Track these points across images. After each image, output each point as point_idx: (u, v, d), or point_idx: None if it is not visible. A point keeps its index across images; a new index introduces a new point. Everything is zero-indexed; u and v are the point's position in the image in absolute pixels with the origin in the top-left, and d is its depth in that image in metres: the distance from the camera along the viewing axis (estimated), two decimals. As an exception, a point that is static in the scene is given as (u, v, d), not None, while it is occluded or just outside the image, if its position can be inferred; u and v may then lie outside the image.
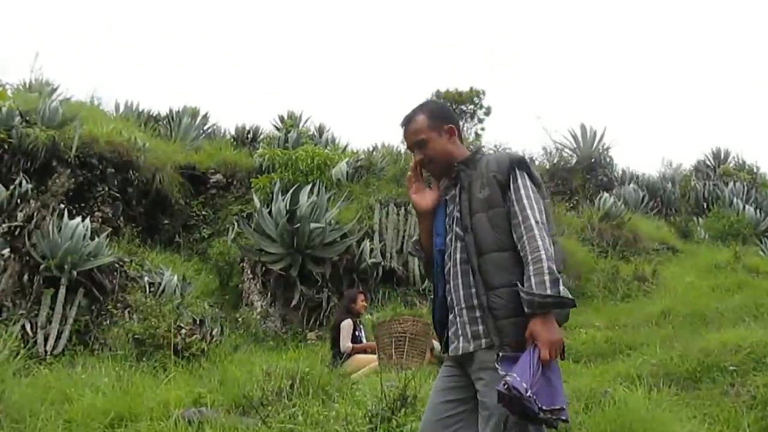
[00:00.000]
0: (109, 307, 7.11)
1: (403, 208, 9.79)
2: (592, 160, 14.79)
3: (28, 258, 7.14)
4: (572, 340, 6.93)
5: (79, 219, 7.74)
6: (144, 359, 5.84)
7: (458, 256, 2.38)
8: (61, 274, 7.02)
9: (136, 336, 6.16)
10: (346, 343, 6.65)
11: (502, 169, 2.37)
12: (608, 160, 15.16)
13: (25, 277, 7.02)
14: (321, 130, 15.35)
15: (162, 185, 10.82)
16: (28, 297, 6.93)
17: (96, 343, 6.80)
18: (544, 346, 2.13)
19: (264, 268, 9.17)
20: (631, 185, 14.43)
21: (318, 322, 8.73)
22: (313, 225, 8.88)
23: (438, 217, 2.53)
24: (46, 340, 6.65)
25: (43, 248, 7.18)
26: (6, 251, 7.18)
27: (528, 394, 2.05)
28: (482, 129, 26.89)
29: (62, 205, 8.58)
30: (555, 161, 15.11)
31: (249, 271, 9.47)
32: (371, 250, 9.30)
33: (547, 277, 2.17)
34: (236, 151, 13.36)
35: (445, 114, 2.57)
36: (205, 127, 15.26)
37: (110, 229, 8.86)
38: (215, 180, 12.10)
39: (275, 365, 5.08)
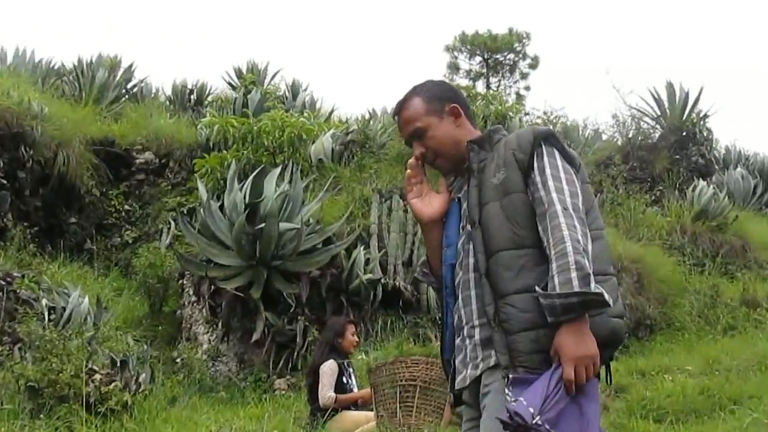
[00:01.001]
0: (-8, 341, 7.12)
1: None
2: (683, 133, 14.80)
3: None
4: (653, 391, 6.96)
5: (-52, 216, 7.75)
6: (42, 416, 5.85)
7: (470, 260, 2.47)
8: None
9: (30, 383, 6.15)
10: (327, 393, 6.65)
11: (523, 144, 2.47)
12: (706, 134, 15.16)
13: None
14: (295, 89, 15.37)
15: (67, 168, 10.82)
16: None
17: (-27, 394, 6.80)
18: (568, 362, 2.20)
19: (213, 287, 9.16)
20: (739, 170, 14.44)
21: (290, 364, 8.74)
22: (283, 225, 8.89)
23: (450, 223, 2.62)
24: None
25: None
26: None
27: (535, 421, 2.14)
28: (526, 88, 26.87)
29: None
30: (630, 135, 15.11)
31: (191, 292, 9.47)
32: (367, 262, 9.31)
33: (574, 274, 2.22)
34: (173, 119, 13.38)
35: (445, 92, 2.71)
36: (130, 85, 15.27)
37: (-7, 231, 8.88)
38: (143, 160, 12.10)
39: (228, 425, 5.10)
